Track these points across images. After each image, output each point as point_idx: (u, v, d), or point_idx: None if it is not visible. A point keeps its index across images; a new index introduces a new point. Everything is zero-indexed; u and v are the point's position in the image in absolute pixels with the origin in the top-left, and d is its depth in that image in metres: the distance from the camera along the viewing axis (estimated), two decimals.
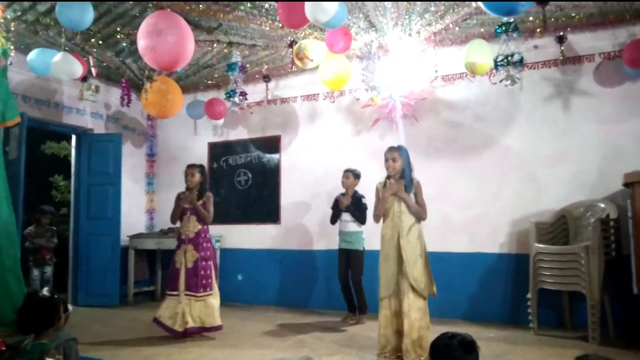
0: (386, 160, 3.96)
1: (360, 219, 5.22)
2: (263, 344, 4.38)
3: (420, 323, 3.70)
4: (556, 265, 4.44)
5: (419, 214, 3.89)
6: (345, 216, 5.29)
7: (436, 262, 5.37)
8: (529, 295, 4.63)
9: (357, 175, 5.36)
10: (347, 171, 5.38)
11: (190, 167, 4.77)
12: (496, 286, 5.25)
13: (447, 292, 5.32)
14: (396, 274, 3.79)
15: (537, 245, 4.62)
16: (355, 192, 5.31)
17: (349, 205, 5.24)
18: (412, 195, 3.90)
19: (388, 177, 4.00)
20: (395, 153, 3.93)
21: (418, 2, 4.61)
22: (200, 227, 4.64)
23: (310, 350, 4.16)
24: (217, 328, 4.57)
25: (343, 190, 5.38)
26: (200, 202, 4.67)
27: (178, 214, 4.71)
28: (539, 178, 5.13)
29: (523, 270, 4.87)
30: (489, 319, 5.16)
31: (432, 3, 4.61)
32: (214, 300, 4.60)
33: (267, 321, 5.36)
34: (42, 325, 2.47)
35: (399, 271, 3.78)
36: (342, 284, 5.34)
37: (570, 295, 4.73)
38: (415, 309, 3.71)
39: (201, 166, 4.82)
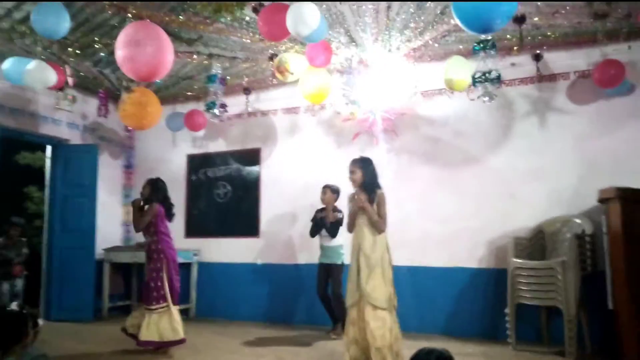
0: (349, 173, 4.01)
1: (331, 232, 5.24)
2: None
3: (380, 332, 3.64)
4: (533, 280, 4.47)
5: (377, 225, 3.86)
6: (325, 231, 5.29)
7: (416, 276, 5.43)
8: (507, 310, 4.65)
9: (334, 191, 5.34)
10: (325, 187, 5.37)
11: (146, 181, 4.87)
12: (475, 301, 5.25)
13: (426, 307, 5.35)
14: (357, 283, 3.79)
15: (514, 260, 4.64)
16: (334, 208, 5.30)
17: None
18: (375, 207, 3.90)
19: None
20: (355, 165, 3.99)
21: (398, 18, 4.65)
22: (150, 238, 4.62)
23: None
24: (178, 342, 4.41)
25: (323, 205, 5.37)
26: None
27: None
28: (516, 193, 5.18)
29: (501, 285, 4.88)
30: (467, 334, 5.15)
31: (412, 19, 4.66)
32: (169, 314, 4.42)
33: (244, 337, 5.27)
34: (9, 342, 2.37)
35: (359, 281, 3.79)
36: (321, 298, 5.32)
37: (547, 310, 4.75)
38: (374, 319, 3.68)
39: (152, 180, 4.82)
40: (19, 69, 4.61)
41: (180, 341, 4.41)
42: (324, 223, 5.27)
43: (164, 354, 4.41)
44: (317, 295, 5.34)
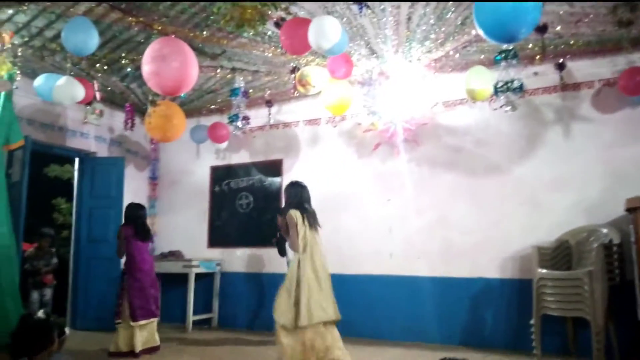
0: None
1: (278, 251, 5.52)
2: None
3: (282, 350, 3.99)
4: (559, 291, 4.39)
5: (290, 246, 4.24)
6: None
7: (437, 287, 5.41)
8: (532, 321, 4.57)
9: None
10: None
11: None
12: (499, 312, 5.19)
13: (448, 318, 5.30)
14: None
15: (540, 270, 4.57)
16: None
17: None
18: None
19: None
20: (284, 190, 4.40)
21: (418, 30, 4.67)
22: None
23: None
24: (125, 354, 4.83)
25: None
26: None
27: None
28: (541, 203, 5.12)
29: (526, 296, 4.81)
30: (491, 345, 5.09)
31: (432, 31, 4.67)
32: (122, 329, 4.90)
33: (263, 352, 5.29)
34: (35, 348, 2.44)
35: None
36: None
37: (574, 321, 4.67)
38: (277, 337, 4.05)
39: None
40: (50, 85, 4.77)
41: (128, 353, 4.80)
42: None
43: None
44: None
